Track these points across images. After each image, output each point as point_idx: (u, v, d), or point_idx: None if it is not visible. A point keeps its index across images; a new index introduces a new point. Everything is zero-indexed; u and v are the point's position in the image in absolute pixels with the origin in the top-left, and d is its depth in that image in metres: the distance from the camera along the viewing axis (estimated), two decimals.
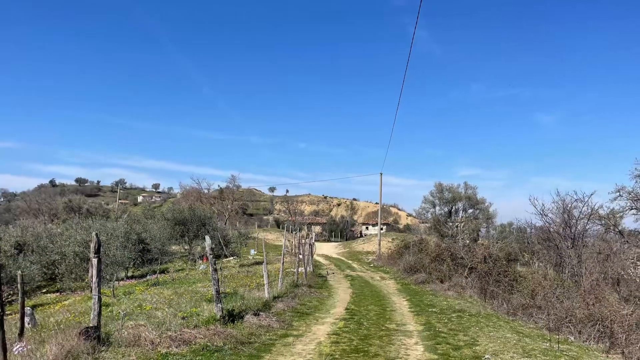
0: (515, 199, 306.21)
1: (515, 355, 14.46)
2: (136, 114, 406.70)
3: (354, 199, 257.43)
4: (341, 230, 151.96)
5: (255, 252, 65.93)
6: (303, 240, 45.37)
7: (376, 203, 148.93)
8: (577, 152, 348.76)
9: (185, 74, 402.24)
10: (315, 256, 56.41)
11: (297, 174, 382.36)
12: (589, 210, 38.36)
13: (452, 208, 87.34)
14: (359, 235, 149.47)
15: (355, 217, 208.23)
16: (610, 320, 17.74)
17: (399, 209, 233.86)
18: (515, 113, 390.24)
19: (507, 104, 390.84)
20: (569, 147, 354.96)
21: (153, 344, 12.96)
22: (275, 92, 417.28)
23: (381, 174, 79.29)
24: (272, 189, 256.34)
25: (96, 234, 12.04)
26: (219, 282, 17.15)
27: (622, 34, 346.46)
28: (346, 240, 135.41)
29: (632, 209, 39.66)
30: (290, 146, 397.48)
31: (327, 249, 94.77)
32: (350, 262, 65.63)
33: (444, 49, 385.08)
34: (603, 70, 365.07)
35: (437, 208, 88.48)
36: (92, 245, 11.89)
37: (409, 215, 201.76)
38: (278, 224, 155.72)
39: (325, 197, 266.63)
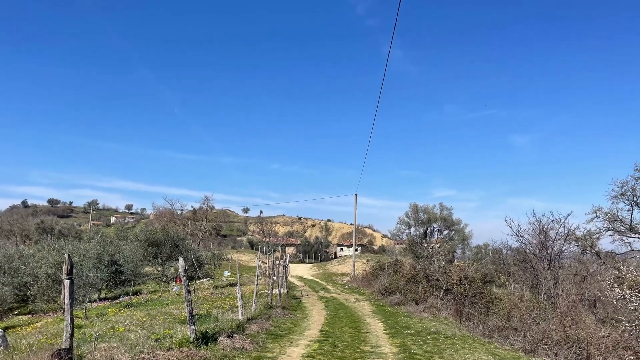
0: (491, 220, 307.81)
1: None
2: (108, 135, 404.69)
3: (329, 220, 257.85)
4: (315, 252, 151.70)
5: (229, 274, 65.70)
6: (277, 262, 45.28)
7: (351, 224, 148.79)
8: (553, 173, 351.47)
9: (157, 95, 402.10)
10: (289, 277, 56.30)
11: (270, 194, 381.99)
12: (566, 232, 38.53)
13: (427, 229, 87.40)
14: (333, 257, 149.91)
15: (329, 238, 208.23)
16: (587, 342, 17.79)
17: (373, 230, 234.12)
18: (490, 134, 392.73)
19: (482, 125, 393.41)
20: (544, 168, 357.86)
21: None
22: (247, 113, 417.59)
23: (356, 195, 79.74)
24: (245, 210, 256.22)
25: (69, 255, 11.94)
26: (193, 304, 17.07)
27: (596, 55, 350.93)
28: (321, 261, 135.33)
29: (608, 230, 40.03)
30: (263, 167, 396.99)
31: (302, 271, 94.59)
32: (324, 283, 65.53)
33: (419, 69, 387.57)
34: (577, 91, 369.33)
35: (413, 229, 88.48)
36: (64, 266, 11.79)
37: (384, 236, 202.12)
38: (252, 245, 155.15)
39: (300, 218, 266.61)
